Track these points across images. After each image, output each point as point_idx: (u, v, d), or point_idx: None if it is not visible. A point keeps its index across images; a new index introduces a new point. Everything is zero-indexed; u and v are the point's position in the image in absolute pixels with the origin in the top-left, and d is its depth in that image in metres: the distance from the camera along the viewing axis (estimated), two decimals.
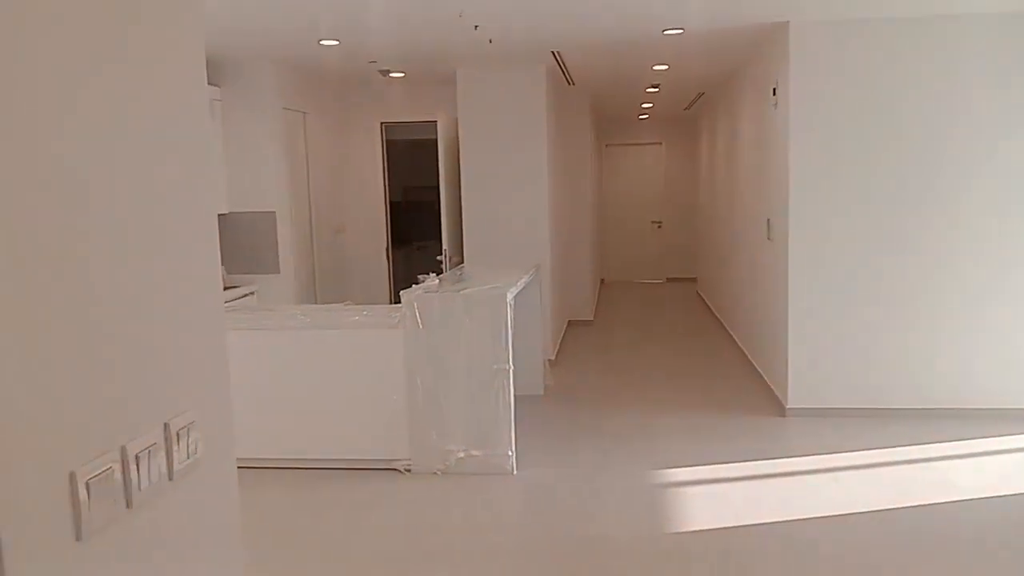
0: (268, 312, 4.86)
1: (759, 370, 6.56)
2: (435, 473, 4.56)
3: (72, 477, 0.94)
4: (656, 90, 8.83)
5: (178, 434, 1.16)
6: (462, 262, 7.02)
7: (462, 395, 4.53)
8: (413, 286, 4.80)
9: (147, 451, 1.08)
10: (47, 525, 0.90)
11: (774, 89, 5.72)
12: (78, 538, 0.94)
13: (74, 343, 0.96)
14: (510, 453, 4.54)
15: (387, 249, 8.09)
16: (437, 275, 5.24)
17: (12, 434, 0.84)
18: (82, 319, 0.98)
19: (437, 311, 4.53)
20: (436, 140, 6.90)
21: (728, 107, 8.34)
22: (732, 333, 8.13)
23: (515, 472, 4.54)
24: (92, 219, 1.00)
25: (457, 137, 7.02)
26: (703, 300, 10.67)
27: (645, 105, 10.51)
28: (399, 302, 4.62)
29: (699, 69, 7.42)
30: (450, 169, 7.01)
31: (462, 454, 4.55)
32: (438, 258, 7.12)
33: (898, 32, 5.17)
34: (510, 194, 6.97)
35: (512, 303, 4.61)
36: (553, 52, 6.27)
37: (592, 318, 9.27)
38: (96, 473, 0.98)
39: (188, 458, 1.18)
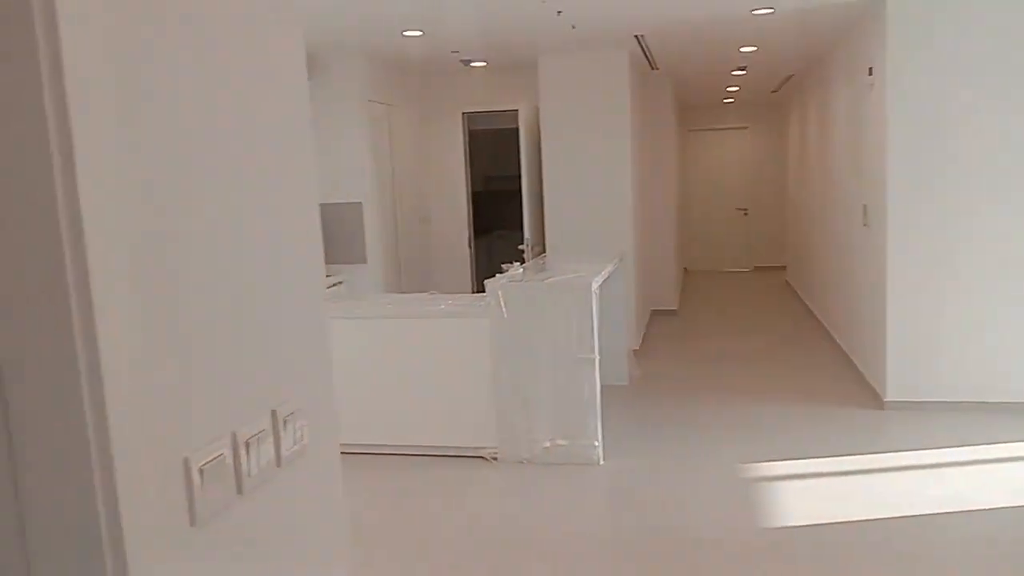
0: (357, 301, 4.93)
1: (854, 361, 6.32)
2: (521, 462, 4.55)
3: (186, 463, 0.95)
4: (743, 73, 8.59)
5: (285, 420, 1.16)
6: (544, 251, 6.99)
7: (548, 385, 4.51)
8: (497, 275, 4.80)
9: (256, 437, 1.09)
10: (163, 510, 0.91)
11: (870, 69, 5.48)
12: (192, 523, 0.95)
13: (189, 331, 0.97)
14: (596, 443, 4.49)
15: (469, 238, 8.12)
16: (520, 264, 5.23)
17: (130, 420, 0.84)
18: (197, 308, 0.98)
19: (522, 300, 4.51)
20: (517, 129, 6.87)
21: (819, 88, 8.05)
22: (824, 323, 7.87)
23: (602, 462, 4.49)
24: (214, 212, 1.02)
25: (538, 125, 6.97)
26: (792, 289, 10.36)
27: (730, 89, 10.24)
28: (482, 291, 4.62)
29: (789, 50, 7.17)
30: (531, 157, 6.98)
31: (548, 444, 4.53)
32: (520, 247, 7.10)
33: (998, 4, 4.87)
34: (592, 182, 6.89)
35: (597, 292, 4.56)
36: (636, 36, 6.16)
37: (676, 307, 9.11)
38: (209, 459, 0.98)
39: (294, 444, 1.19)
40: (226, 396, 1.04)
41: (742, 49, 6.95)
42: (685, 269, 12.17)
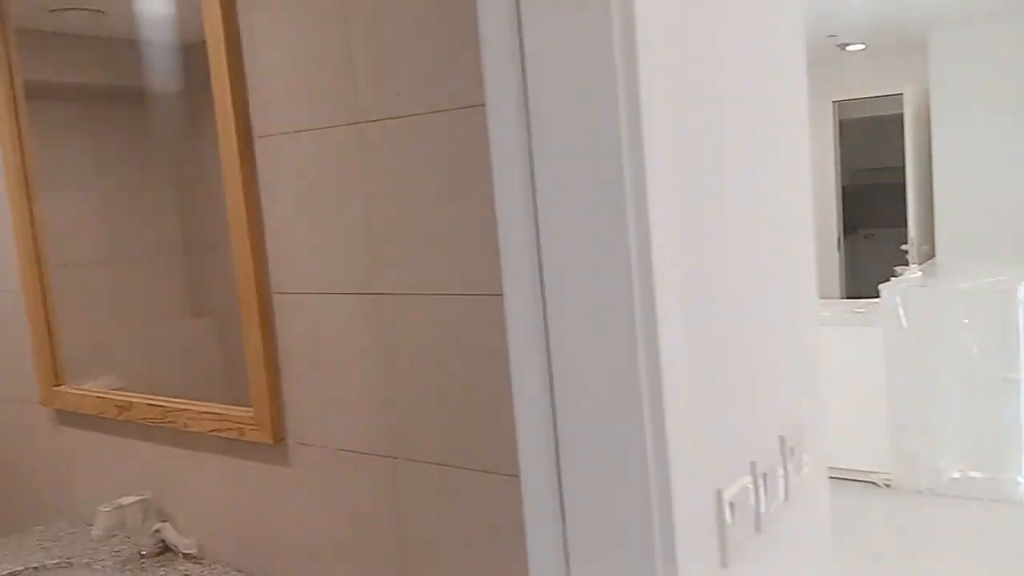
0: None
1: None
2: (920, 492, 4.01)
3: (719, 495, 0.83)
4: None
5: (792, 448, 1.01)
6: (932, 253, 6.18)
7: (957, 406, 3.92)
8: (891, 279, 4.30)
9: (770, 467, 0.95)
10: (703, 549, 0.80)
11: None
12: (723, 564, 0.83)
13: (717, 350, 0.86)
14: (1021, 479, 3.80)
15: (838, 239, 7.48)
16: (915, 267, 4.64)
17: (681, 451, 0.74)
18: (723, 323, 0.87)
19: (927, 308, 3.97)
20: (897, 116, 6.16)
21: None
22: None
23: None
24: (742, 222, 0.91)
25: (927, 111, 6.18)
26: None
27: None
28: (855, 296, 4.17)
29: None
30: (919, 147, 6.21)
31: (957, 474, 3.93)
32: (903, 247, 6.35)
33: None
34: (999, 174, 5.93)
35: None
36: None
37: None
38: (736, 492, 0.86)
39: (796, 474, 1.03)
40: (745, 421, 0.92)
41: None
42: None
